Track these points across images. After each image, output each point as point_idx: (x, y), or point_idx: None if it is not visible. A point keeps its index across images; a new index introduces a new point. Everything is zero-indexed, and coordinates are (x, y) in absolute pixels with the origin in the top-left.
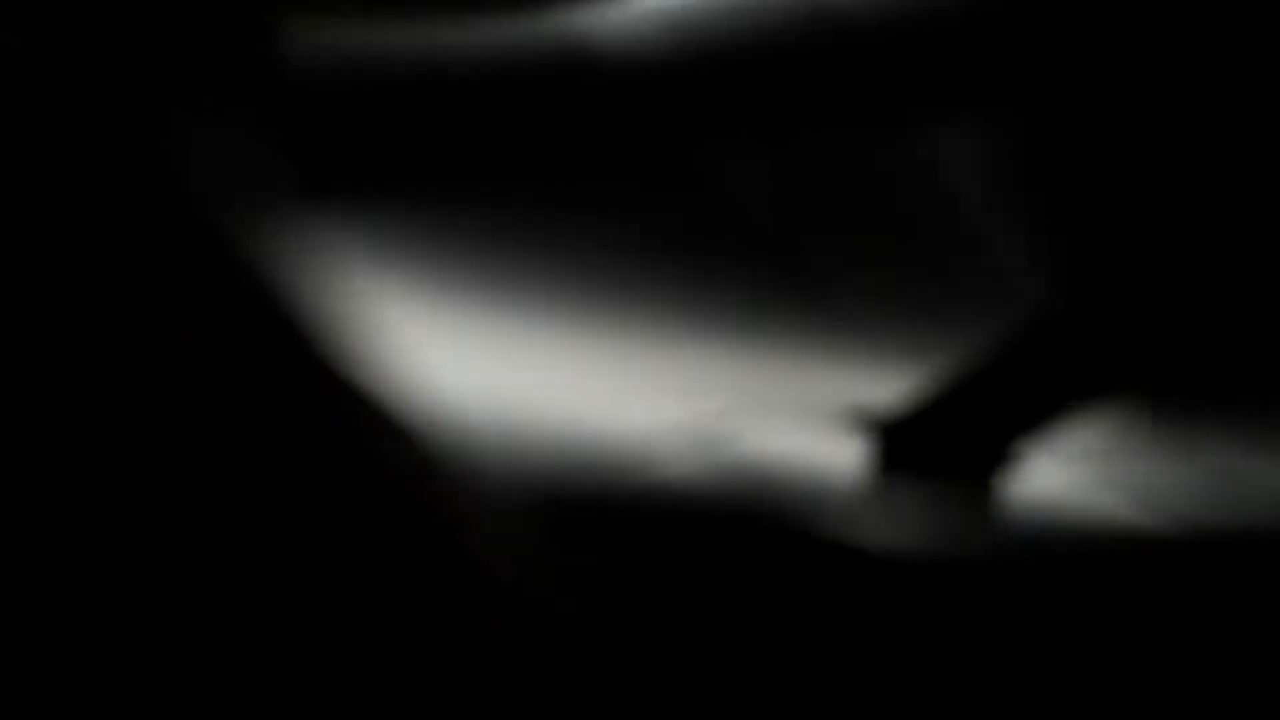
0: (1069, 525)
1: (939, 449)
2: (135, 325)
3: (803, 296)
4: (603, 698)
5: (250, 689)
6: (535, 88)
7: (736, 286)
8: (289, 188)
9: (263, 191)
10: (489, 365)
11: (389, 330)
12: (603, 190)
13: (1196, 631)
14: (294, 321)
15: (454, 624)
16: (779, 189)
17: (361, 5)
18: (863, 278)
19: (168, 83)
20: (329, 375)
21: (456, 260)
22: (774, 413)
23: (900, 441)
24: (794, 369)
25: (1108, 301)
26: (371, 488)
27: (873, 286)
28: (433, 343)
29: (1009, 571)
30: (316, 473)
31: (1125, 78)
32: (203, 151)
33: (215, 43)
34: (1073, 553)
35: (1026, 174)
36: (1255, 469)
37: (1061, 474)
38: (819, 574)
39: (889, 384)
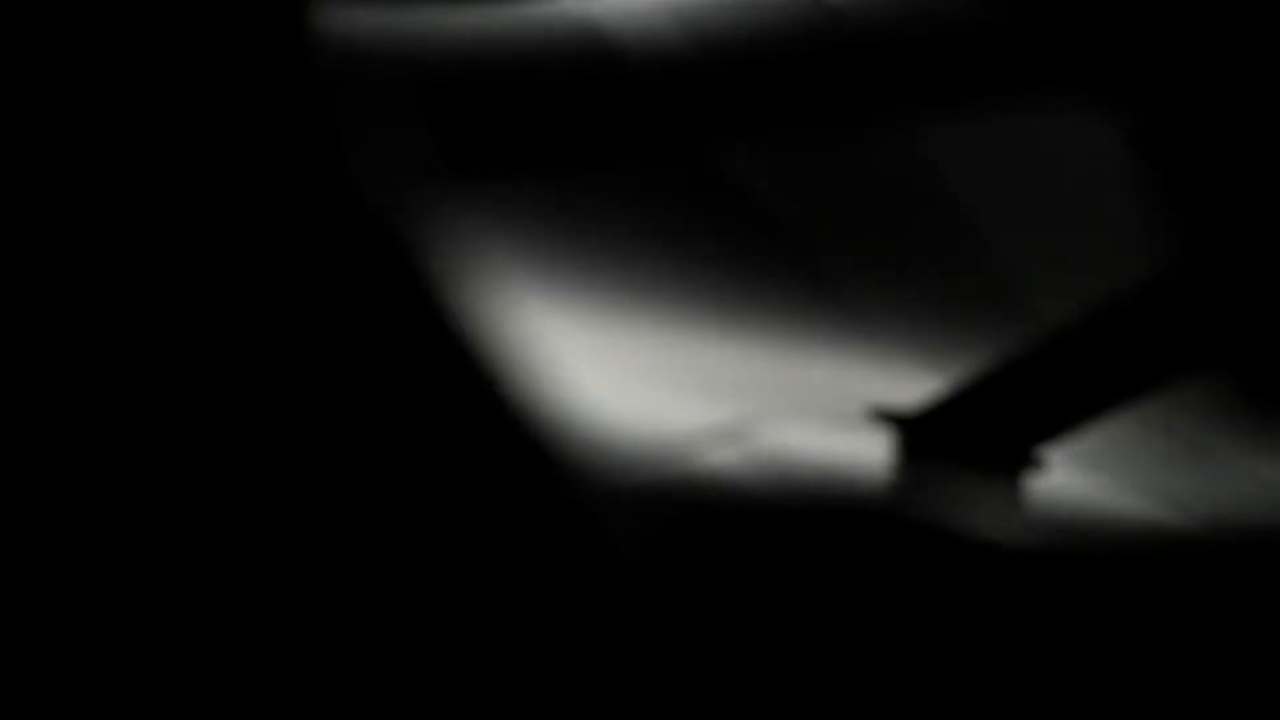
0: (1088, 522)
1: (960, 447)
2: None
3: (817, 293)
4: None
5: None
6: (561, 78)
7: (752, 283)
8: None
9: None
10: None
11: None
12: (629, 184)
13: (1221, 627)
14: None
15: (598, 615)
16: (788, 186)
17: None
18: (873, 275)
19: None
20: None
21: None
22: (798, 407)
23: (923, 438)
24: (813, 365)
25: (1124, 307)
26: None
27: (883, 284)
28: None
29: (1030, 569)
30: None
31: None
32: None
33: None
34: (1093, 550)
35: (1029, 173)
36: (1268, 469)
37: (1079, 474)
38: (849, 553)
39: (905, 381)
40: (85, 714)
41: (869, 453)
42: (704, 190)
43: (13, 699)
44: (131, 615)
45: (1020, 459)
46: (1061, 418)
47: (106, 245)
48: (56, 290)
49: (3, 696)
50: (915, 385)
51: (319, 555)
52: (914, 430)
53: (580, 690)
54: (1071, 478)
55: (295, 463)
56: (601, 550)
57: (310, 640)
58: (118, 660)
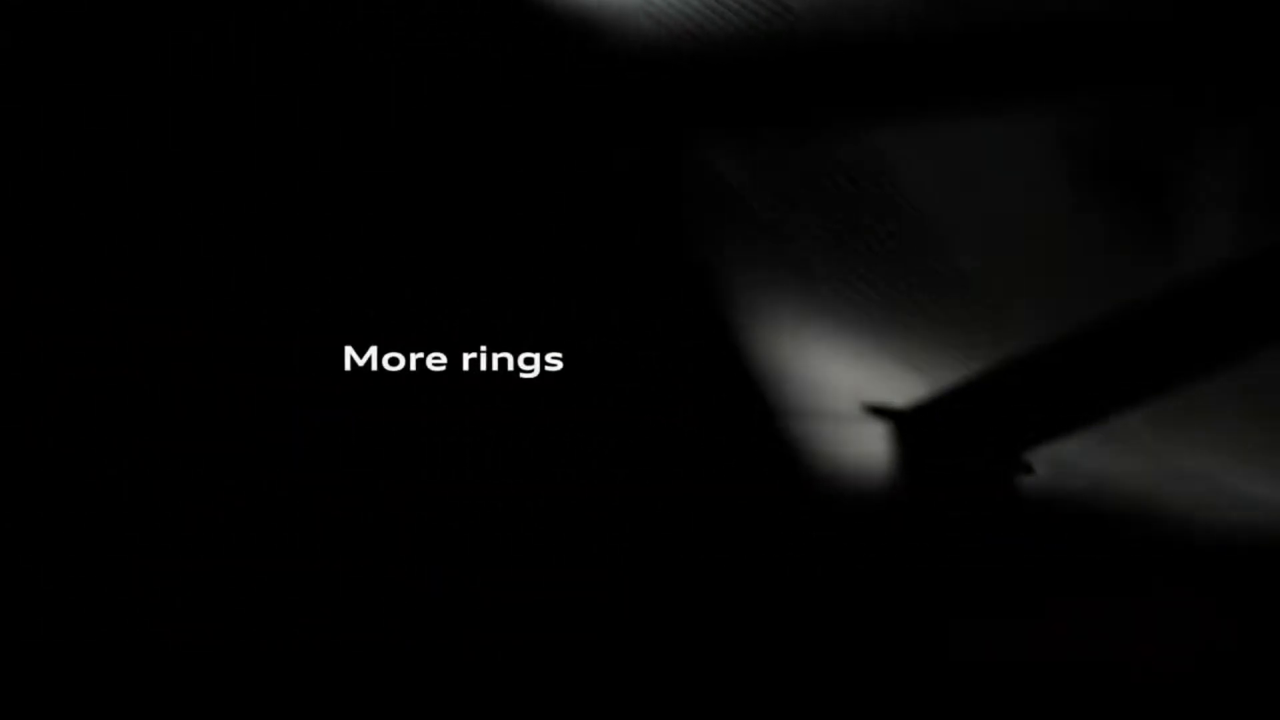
0: (1074, 526)
1: (950, 451)
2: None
3: (799, 291)
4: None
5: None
6: (556, 70)
7: (736, 279)
8: None
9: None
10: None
11: None
12: (628, 179)
13: (1212, 634)
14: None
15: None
16: (768, 184)
17: None
18: (850, 274)
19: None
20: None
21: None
22: (792, 403)
23: (918, 435)
24: (799, 361)
25: (1111, 318)
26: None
27: (860, 282)
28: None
29: (1024, 574)
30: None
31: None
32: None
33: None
34: (1079, 556)
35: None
36: (1240, 478)
37: (1061, 481)
38: (870, 546)
39: (891, 380)
40: (85, 714)
41: (870, 448)
42: (688, 186)
43: (13, 699)
44: (131, 615)
45: (1009, 461)
46: (1047, 423)
47: (106, 245)
48: (56, 290)
49: (3, 696)
50: (899, 383)
51: (319, 555)
52: (910, 427)
53: (581, 690)
54: (1054, 481)
55: (295, 463)
56: (610, 550)
57: (310, 640)
58: (118, 660)
